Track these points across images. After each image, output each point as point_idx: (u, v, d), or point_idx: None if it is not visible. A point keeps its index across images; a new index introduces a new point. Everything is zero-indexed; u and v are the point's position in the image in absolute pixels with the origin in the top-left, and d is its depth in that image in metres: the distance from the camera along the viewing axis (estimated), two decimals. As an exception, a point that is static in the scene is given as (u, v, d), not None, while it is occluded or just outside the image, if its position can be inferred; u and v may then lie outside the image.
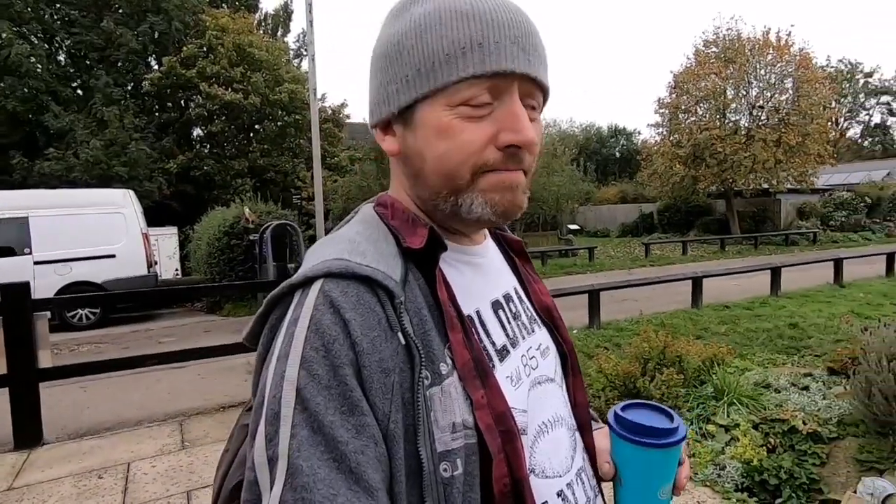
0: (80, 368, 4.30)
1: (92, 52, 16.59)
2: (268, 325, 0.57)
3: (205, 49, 17.22)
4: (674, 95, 21.68)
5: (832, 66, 38.68)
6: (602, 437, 0.75)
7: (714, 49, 20.70)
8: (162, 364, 4.57)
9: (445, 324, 0.56)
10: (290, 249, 4.88)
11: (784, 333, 5.76)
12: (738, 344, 5.26)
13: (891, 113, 47.39)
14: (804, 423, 2.97)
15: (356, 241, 0.58)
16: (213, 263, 10.13)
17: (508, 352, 0.64)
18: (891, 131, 47.48)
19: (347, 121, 23.54)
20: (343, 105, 22.46)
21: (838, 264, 9.47)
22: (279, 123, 18.43)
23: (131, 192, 9.69)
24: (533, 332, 0.71)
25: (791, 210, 22.74)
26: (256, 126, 19.08)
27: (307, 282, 0.54)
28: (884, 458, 2.61)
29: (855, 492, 2.47)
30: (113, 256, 8.91)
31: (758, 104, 19.79)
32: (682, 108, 21.15)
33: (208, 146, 18.78)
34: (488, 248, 0.72)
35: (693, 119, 20.93)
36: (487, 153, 0.57)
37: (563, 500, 0.64)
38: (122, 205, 9.15)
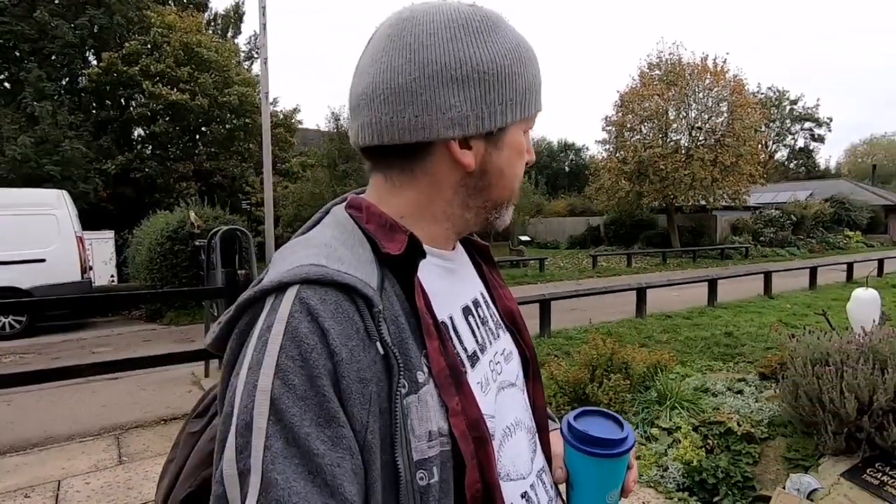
0: (1, 381, 3.98)
1: (23, 44, 15.54)
2: (236, 331, 0.55)
3: (149, 46, 16.51)
4: (620, 114, 22.64)
5: (762, 93, 41.54)
6: (556, 441, 0.77)
7: (657, 71, 21.80)
8: (97, 375, 4.31)
9: (422, 331, 0.57)
10: (240, 256, 4.74)
11: (720, 341, 6.10)
12: (679, 351, 5.52)
13: (813, 138, 51.38)
14: (739, 424, 3.15)
15: (332, 246, 0.57)
16: (154, 269, 9.66)
17: (478, 358, 0.66)
18: (813, 155, 51.48)
19: (300, 126, 23.16)
20: (295, 110, 22.10)
21: (768, 277, 10.14)
22: (228, 126, 17.87)
23: (65, 193, 9.12)
24: (498, 336, 0.72)
25: (726, 226, 24.16)
26: (203, 128, 18.42)
27: (281, 287, 0.52)
28: (809, 456, 2.81)
29: (784, 488, 2.64)
30: (43, 261, 8.34)
31: (696, 125, 20.97)
32: (628, 126, 22.10)
33: (150, 147, 17.94)
34: (459, 254, 0.73)
35: (638, 137, 21.91)
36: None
37: (527, 501, 0.66)
38: (54, 206, 8.59)
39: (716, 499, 2.79)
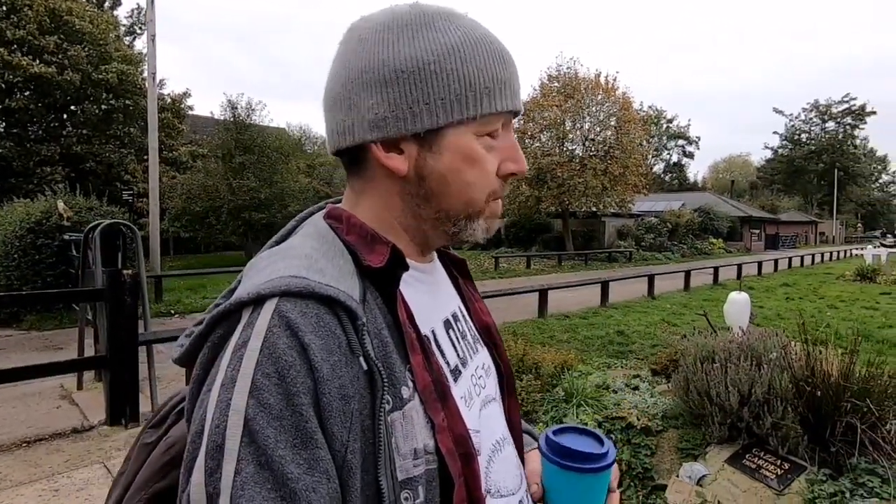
0: None
1: None
2: (208, 345, 0.52)
3: (5, 9, 14.34)
4: (521, 122, 23.70)
5: (644, 111, 45.64)
6: (533, 459, 0.76)
7: (556, 84, 23.13)
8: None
9: (406, 345, 0.55)
10: (124, 254, 4.23)
11: (614, 340, 6.57)
12: (579, 350, 5.86)
13: (685, 154, 57.61)
14: (638, 419, 3.38)
15: (313, 258, 0.55)
16: (10, 266, 8.34)
17: (460, 372, 0.64)
18: (685, 169, 57.74)
19: (190, 112, 21.44)
20: (185, 94, 20.46)
21: (651, 279, 11.14)
22: (104, 107, 16.07)
23: None
24: (477, 351, 0.71)
25: (613, 231, 26.26)
26: (73, 107, 16.39)
27: (259, 300, 0.49)
28: (698, 445, 3.09)
29: (678, 476, 2.88)
30: None
31: (590, 137, 22.54)
32: (529, 134, 23.21)
33: (5, 125, 15.59)
34: (436, 267, 0.72)
35: (538, 145, 23.09)
36: (495, 181, 0.62)
37: None
38: None
39: (619, 490, 2.96)
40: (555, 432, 0.70)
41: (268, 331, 0.47)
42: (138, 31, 24.68)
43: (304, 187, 19.01)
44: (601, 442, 0.70)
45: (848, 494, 2.36)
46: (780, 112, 68.61)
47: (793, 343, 3.27)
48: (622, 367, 5.17)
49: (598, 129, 22.57)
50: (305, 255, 0.55)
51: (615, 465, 0.68)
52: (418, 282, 0.64)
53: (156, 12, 11.14)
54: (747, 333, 3.34)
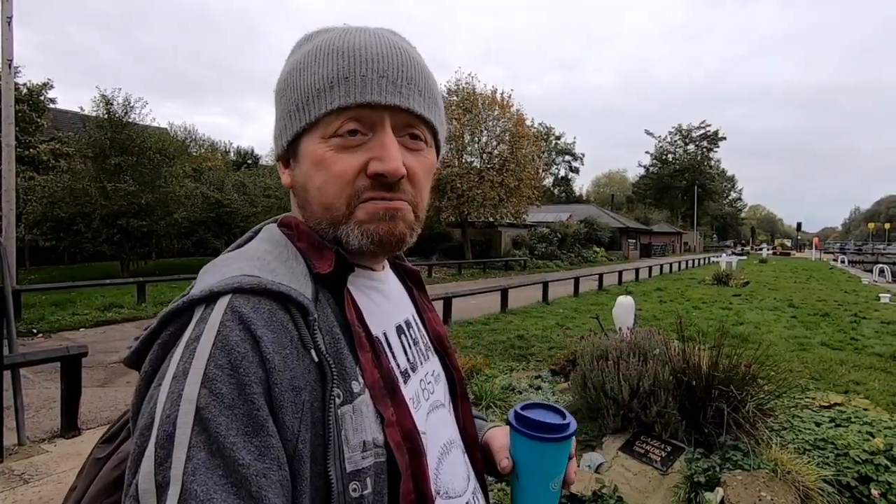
0: None
1: None
2: (158, 342, 0.52)
3: None
4: (422, 132, 24.07)
5: (535, 128, 48.50)
6: (501, 435, 0.79)
7: (455, 97, 23.82)
8: None
9: (355, 343, 0.57)
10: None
11: (515, 344, 6.91)
12: (484, 355, 6.08)
13: (571, 169, 61.99)
14: (542, 416, 3.62)
15: (265, 260, 0.58)
16: None
17: (409, 375, 0.67)
18: (571, 183, 62.11)
19: (52, 106, 19.04)
20: (46, 85, 18.15)
21: (545, 286, 11.85)
22: (-59, 94, 13.73)
23: None
24: (428, 358, 0.73)
25: (508, 240, 27.52)
26: None
27: (212, 297, 0.51)
28: (596, 437, 3.38)
29: (578, 466, 3.13)
30: None
31: (487, 150, 23.49)
32: (429, 144, 23.62)
33: None
34: (389, 276, 0.74)
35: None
36: (359, 182, 0.58)
37: None
38: None
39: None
40: (522, 408, 0.76)
41: (221, 325, 0.48)
42: (-15, 10, 21.51)
43: (191, 192, 17.67)
44: (563, 415, 0.77)
45: (718, 468, 2.73)
46: (651, 134, 76.86)
47: (672, 341, 3.70)
48: (524, 369, 5.47)
49: (494, 142, 23.62)
50: (258, 258, 0.58)
51: (573, 437, 0.76)
52: (369, 289, 0.67)
53: (13, -9, 9.80)
54: (634, 333, 3.73)
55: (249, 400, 0.46)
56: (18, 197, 11.86)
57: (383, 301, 0.69)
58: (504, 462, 0.76)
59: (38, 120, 17.29)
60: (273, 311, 0.51)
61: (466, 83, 24.14)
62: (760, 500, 2.50)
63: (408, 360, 0.68)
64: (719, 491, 2.60)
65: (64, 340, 7.31)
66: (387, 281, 0.72)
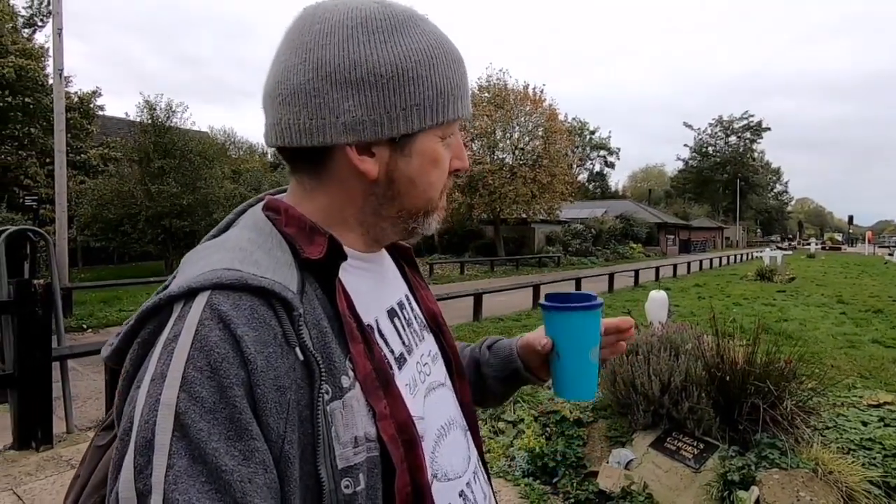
0: None
1: None
2: (138, 341, 0.50)
3: None
4: (454, 130, 24.12)
5: (568, 122, 47.85)
6: (534, 333, 0.84)
7: (486, 94, 23.72)
8: None
9: (346, 335, 0.55)
10: (32, 263, 3.89)
11: (546, 340, 6.83)
12: (514, 350, 6.04)
13: (606, 164, 60.84)
14: (570, 412, 3.57)
15: (248, 250, 0.55)
16: None
17: (405, 359, 0.65)
18: (606, 178, 60.96)
19: (100, 113, 19.95)
20: (95, 93, 18.99)
21: (578, 283, 11.69)
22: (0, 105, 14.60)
23: None
24: (423, 338, 0.72)
25: (542, 237, 27.23)
26: (-38, 104, 14.78)
27: (190, 293, 0.49)
28: (625, 433, 3.30)
29: (608, 462, 3.07)
30: None
31: (519, 146, 23.29)
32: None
33: None
34: (384, 256, 0.72)
35: (469, 153, 23.47)
36: (447, 178, 0.66)
37: (464, 499, 0.67)
38: None
39: (555, 480, 3.11)
40: (551, 295, 0.82)
41: (199, 324, 0.47)
42: (39, 24, 22.68)
43: (230, 193, 18.22)
44: (590, 297, 0.81)
45: (753, 467, 2.63)
46: (690, 126, 74.22)
47: (705, 335, 3.58)
48: (554, 365, 5.41)
49: (526, 138, 23.40)
50: (240, 248, 0.55)
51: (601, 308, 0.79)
52: (362, 270, 0.65)
53: (62, 3, 10.32)
54: (666, 327, 3.62)
55: (231, 403, 0.45)
56: (70, 200, 12.50)
57: (375, 283, 0.67)
58: (543, 340, 0.78)
59: (89, 126, 18.11)
60: (255, 307, 0.49)
61: (498, 79, 24.01)
62: (799, 500, 2.40)
63: (403, 343, 0.66)
64: (755, 490, 2.50)
65: (110, 335, 7.65)
66: (379, 261, 0.70)
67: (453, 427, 0.70)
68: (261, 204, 0.65)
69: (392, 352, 0.63)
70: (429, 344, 0.73)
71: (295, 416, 0.49)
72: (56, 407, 3.72)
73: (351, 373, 0.54)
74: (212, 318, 0.47)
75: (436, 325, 0.77)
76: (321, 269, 0.57)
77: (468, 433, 0.75)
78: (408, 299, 0.73)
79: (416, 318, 0.73)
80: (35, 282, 3.30)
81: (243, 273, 0.50)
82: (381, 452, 0.54)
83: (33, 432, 3.38)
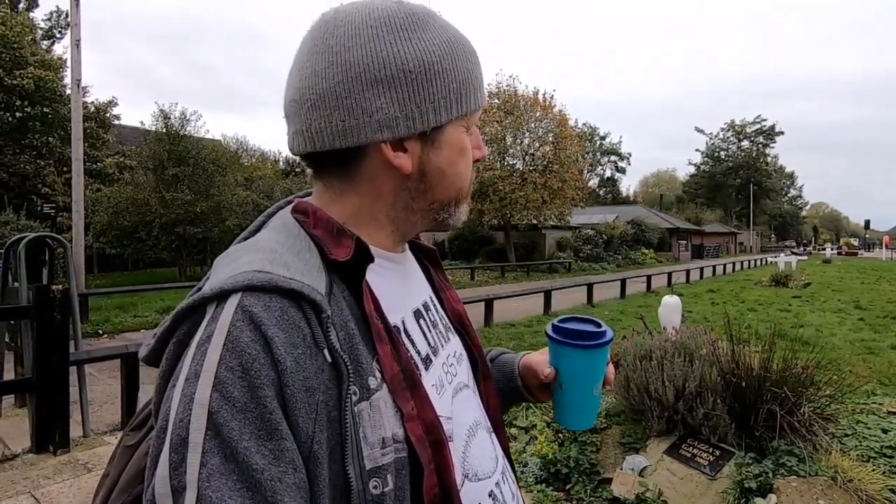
0: None
1: None
2: (173, 341, 0.52)
3: None
4: (463, 136, 24.20)
5: (579, 128, 47.75)
6: (537, 355, 0.84)
7: (496, 100, 23.78)
8: None
9: (373, 336, 0.56)
10: (51, 269, 3.96)
11: (557, 345, 6.79)
12: (525, 356, 6.01)
13: (617, 169, 60.60)
14: (583, 417, 3.54)
15: (278, 252, 0.55)
16: None
17: (431, 360, 0.65)
18: (617, 184, 60.69)
19: (116, 122, 20.29)
20: (111, 103, 19.33)
21: (590, 288, 11.61)
22: (18, 115, 14.91)
23: None
24: (449, 339, 0.72)
25: (553, 243, 27.14)
26: (-17, 114, 15.12)
27: (223, 295, 0.50)
28: (639, 439, 3.27)
29: (622, 469, 3.04)
30: None
31: (529, 152, 23.29)
32: (471, 148, 23.73)
33: None
34: (409, 257, 0.73)
35: (480, 158, 23.63)
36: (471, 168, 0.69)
37: (493, 499, 0.67)
38: None
39: (568, 486, 3.08)
40: (560, 321, 0.79)
41: (231, 325, 0.48)
42: (58, 36, 23.19)
43: (243, 200, 18.41)
44: (598, 325, 0.79)
45: (771, 474, 2.59)
46: (701, 131, 73.66)
47: (720, 341, 3.54)
48: (566, 370, 5.37)
49: (536, 144, 23.41)
50: (270, 250, 0.56)
51: (610, 344, 0.77)
52: (389, 271, 0.65)
53: (80, 15, 10.54)
54: (680, 332, 3.59)
55: (262, 403, 0.46)
56: (87, 208, 12.71)
57: (402, 283, 0.68)
58: (547, 370, 0.77)
59: (105, 135, 18.43)
60: (285, 309, 0.50)
61: (508, 85, 24.07)
62: (818, 508, 2.35)
63: (428, 344, 0.66)
64: (772, 497, 2.47)
65: (126, 341, 7.75)
66: (405, 262, 0.71)
67: (480, 428, 0.71)
68: (290, 206, 0.65)
69: (418, 353, 0.64)
70: (455, 345, 0.73)
71: (324, 416, 0.49)
72: (73, 411, 3.77)
73: (378, 374, 0.55)
74: (243, 319, 0.48)
75: (461, 326, 0.78)
76: (348, 271, 0.57)
77: (492, 434, 0.75)
78: (433, 300, 0.74)
79: (441, 319, 0.73)
80: (53, 287, 3.35)
81: (273, 275, 0.51)
82: (409, 453, 0.54)
83: (51, 436, 3.43)
